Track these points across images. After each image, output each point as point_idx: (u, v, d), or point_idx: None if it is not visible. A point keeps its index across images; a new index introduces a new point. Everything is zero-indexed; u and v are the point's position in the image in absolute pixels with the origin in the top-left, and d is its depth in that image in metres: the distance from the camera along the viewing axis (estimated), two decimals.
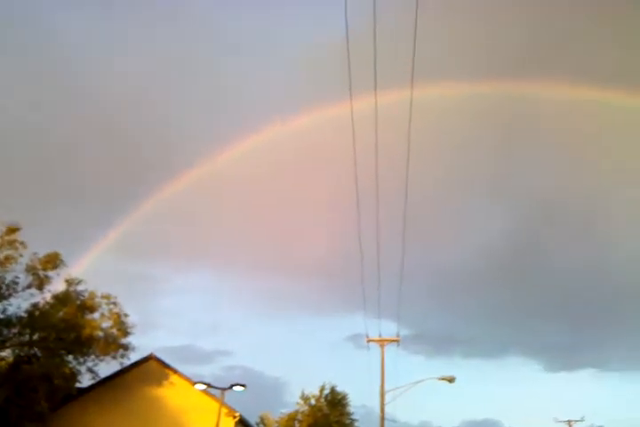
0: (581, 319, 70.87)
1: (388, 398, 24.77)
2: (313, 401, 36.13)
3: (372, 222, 18.42)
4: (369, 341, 26.31)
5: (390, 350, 35.18)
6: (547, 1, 41.97)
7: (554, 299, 69.56)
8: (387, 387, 24.84)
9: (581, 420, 42.47)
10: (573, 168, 51.03)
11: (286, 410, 36.83)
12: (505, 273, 66.22)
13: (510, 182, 57.16)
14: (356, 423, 36.79)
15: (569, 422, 42.79)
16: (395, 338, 26.21)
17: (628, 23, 38.89)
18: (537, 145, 50.31)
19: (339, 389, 36.90)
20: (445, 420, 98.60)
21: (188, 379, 25.32)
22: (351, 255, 26.12)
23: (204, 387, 22.13)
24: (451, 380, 25.31)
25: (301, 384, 39.04)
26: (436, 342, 71.89)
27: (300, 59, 46.11)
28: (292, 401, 36.50)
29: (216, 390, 22.24)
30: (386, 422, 24.46)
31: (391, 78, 13.45)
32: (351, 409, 36.91)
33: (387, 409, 24.65)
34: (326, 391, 36.66)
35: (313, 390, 36.70)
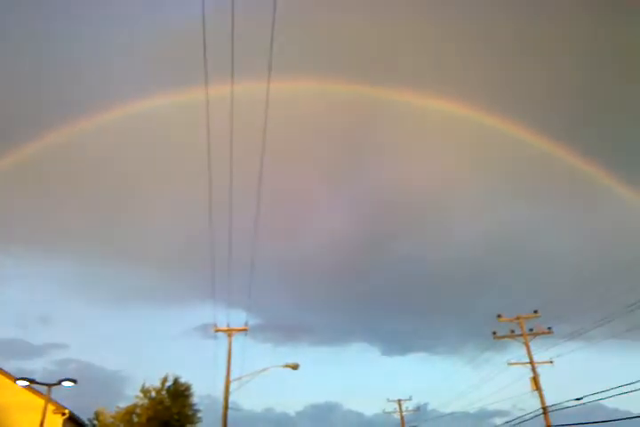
0: (415, 309, 77.50)
1: (233, 386, 24.94)
2: (153, 394, 35.00)
3: (226, 211, 18.32)
4: (217, 330, 26.20)
5: (239, 339, 35.33)
6: (401, 2, 44.17)
7: (392, 290, 75.11)
8: (233, 376, 25.01)
9: (409, 399, 46.51)
10: (415, 169, 55.09)
11: (125, 404, 35.34)
12: (349, 266, 69.90)
13: (353, 181, 60.30)
14: (199, 414, 36.37)
15: (399, 400, 46.58)
16: (242, 328, 26.39)
17: (464, 28, 42.19)
18: (381, 145, 53.46)
19: (183, 380, 36.18)
20: (289, 405, 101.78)
21: (8, 375, 23.22)
22: (203, 245, 25.76)
23: (26, 383, 20.35)
24: (294, 367, 26.15)
25: (146, 377, 37.58)
26: (284, 330, 73.80)
27: (156, 43, 44.08)
28: (133, 395, 34.97)
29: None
30: (230, 411, 24.62)
31: (249, 69, 13.44)
32: (195, 400, 36.39)
33: (232, 398, 24.85)
34: (169, 383, 35.72)
35: (155, 383, 35.59)
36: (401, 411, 46.41)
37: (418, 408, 46.95)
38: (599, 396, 23.15)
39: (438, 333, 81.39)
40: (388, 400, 46.80)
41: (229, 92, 12.73)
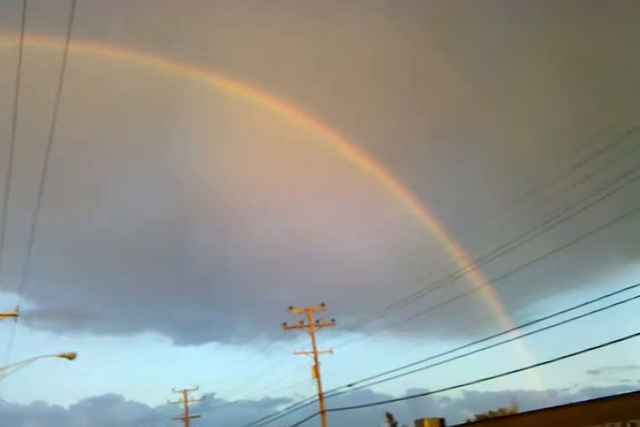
0: (213, 299, 77.26)
1: None
2: None
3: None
4: None
5: (7, 326, 31.50)
6: None
7: (187, 279, 73.77)
8: None
9: (196, 389, 46.22)
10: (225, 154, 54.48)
11: None
12: (147, 254, 67.02)
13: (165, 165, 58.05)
14: None
15: (184, 391, 46.01)
16: (11, 313, 23.54)
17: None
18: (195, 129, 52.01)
19: None
20: (64, 398, 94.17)
21: None
22: None
23: None
24: (71, 357, 24.09)
25: None
26: (66, 318, 67.69)
27: None
28: None
29: None
30: None
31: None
32: None
33: None
34: None
35: None
36: (186, 401, 45.92)
37: (204, 398, 46.97)
38: (367, 382, 25.74)
39: (232, 323, 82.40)
40: (174, 391, 46.01)
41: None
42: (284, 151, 48.71)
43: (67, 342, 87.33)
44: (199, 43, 40.27)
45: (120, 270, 69.62)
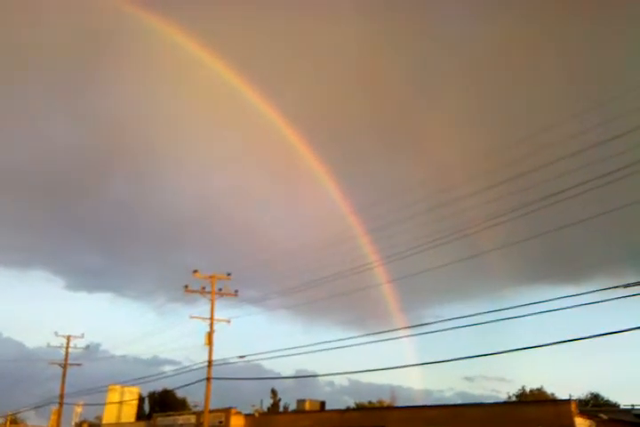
0: (113, 247, 74.45)
1: None
2: None
3: None
4: None
5: None
6: None
7: (93, 224, 70.56)
8: None
9: (81, 336, 44.60)
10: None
11: None
12: (52, 187, 63.71)
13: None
14: None
15: (68, 336, 44.31)
16: None
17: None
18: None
19: None
20: None
21: None
22: None
23: None
24: None
25: None
26: None
27: None
28: None
29: None
30: None
31: None
32: None
33: None
34: None
35: None
36: (68, 346, 44.29)
37: (87, 347, 45.48)
38: (259, 357, 25.77)
39: (131, 276, 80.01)
40: (57, 335, 44.19)
41: None
42: (214, 103, 47.22)
43: None
44: None
45: (29, 201, 65.77)
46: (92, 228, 73.84)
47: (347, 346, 20.36)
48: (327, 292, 25.44)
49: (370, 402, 52.55)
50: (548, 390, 40.40)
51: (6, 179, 62.02)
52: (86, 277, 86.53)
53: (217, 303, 28.21)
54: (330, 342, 20.93)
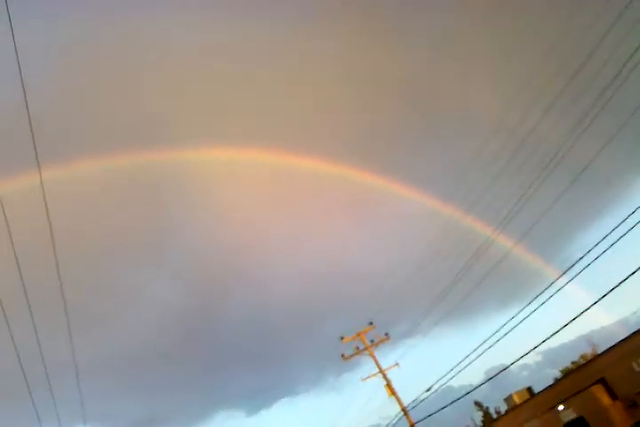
0: (258, 360, 75.99)
1: None
2: None
3: None
4: None
5: None
6: None
7: (227, 354, 71.79)
8: None
9: None
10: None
11: None
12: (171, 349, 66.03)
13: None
14: None
15: None
16: None
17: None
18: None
19: None
20: None
21: None
22: None
23: None
24: None
25: None
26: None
27: None
28: None
29: None
30: None
31: None
32: None
33: None
34: None
35: None
36: None
37: None
38: (444, 380, 25.02)
39: (291, 372, 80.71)
40: None
41: None
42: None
43: None
44: None
45: (165, 371, 68.60)
46: (232, 358, 75.70)
47: (515, 325, 19.50)
48: (460, 292, 25.01)
49: (573, 362, 49.96)
50: None
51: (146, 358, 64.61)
52: (258, 397, 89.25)
53: (377, 354, 28.12)
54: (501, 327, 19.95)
